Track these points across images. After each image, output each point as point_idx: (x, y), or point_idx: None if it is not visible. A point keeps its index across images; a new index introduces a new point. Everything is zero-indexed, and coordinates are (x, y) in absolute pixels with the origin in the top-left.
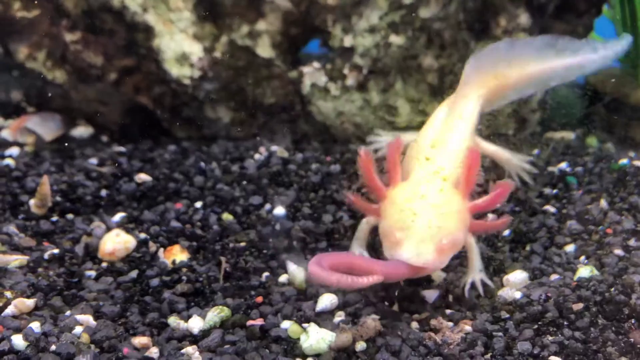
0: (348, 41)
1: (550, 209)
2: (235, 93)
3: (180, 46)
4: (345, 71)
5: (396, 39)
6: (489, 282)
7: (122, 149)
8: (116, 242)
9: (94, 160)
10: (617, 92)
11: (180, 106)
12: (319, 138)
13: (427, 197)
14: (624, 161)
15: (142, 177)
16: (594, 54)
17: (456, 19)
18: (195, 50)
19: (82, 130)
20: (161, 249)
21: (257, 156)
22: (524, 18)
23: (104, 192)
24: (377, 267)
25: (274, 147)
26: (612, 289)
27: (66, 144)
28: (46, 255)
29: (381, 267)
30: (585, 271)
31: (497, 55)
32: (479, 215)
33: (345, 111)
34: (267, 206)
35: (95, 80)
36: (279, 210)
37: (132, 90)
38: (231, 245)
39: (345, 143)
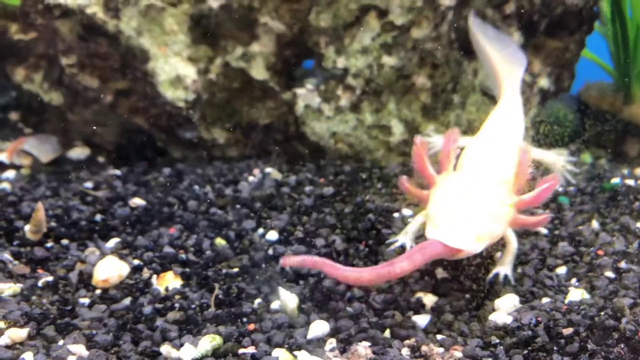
0: (341, 62)
1: (543, 230)
2: (230, 114)
3: (175, 69)
4: (339, 92)
5: (389, 60)
6: (512, 279)
7: (117, 172)
8: (110, 269)
9: (89, 184)
10: (610, 107)
11: (176, 127)
12: (313, 158)
13: (474, 186)
14: (615, 180)
15: (137, 201)
16: None
17: (448, 39)
18: (190, 72)
19: (78, 152)
20: (154, 276)
21: (250, 178)
22: (516, 36)
23: (98, 217)
24: (414, 251)
25: (268, 169)
26: (602, 313)
27: (62, 167)
28: (40, 283)
29: (418, 249)
30: (576, 294)
31: None
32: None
33: (339, 131)
34: (260, 230)
35: (91, 103)
36: (272, 235)
37: (128, 111)
38: (224, 271)
39: (339, 163)
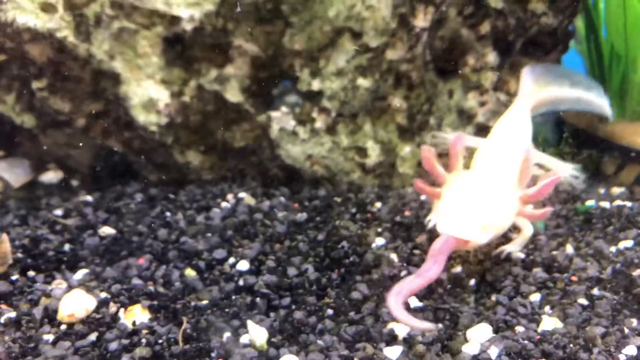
0: (316, 85)
1: (520, 254)
2: (204, 137)
3: (147, 92)
4: (314, 114)
5: (364, 82)
6: (518, 254)
7: (88, 198)
8: (76, 303)
9: (59, 212)
10: (587, 125)
11: (149, 151)
12: (288, 182)
13: (481, 182)
14: (590, 202)
15: (106, 230)
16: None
17: (423, 60)
18: (163, 96)
19: (51, 176)
20: (122, 309)
21: (223, 204)
22: (491, 56)
23: (67, 247)
24: (435, 253)
25: (241, 194)
26: (574, 344)
27: (34, 192)
28: (2, 320)
29: (437, 251)
30: (549, 323)
31: (546, 74)
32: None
33: (315, 154)
34: (231, 260)
35: (63, 126)
36: (243, 265)
37: (101, 134)
38: (193, 303)
39: (315, 186)
